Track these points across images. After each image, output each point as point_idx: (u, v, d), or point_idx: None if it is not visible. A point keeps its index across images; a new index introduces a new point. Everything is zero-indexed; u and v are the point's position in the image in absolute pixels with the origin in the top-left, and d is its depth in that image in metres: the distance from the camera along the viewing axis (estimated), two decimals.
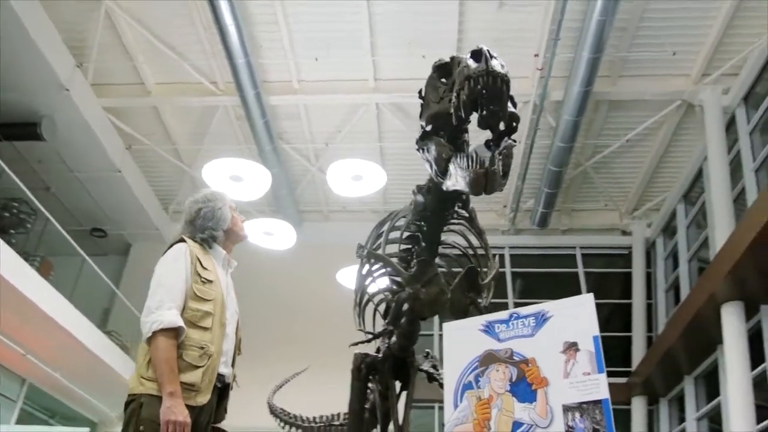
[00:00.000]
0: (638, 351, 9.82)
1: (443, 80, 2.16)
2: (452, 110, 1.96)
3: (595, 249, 11.18)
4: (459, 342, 1.94)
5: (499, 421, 1.74)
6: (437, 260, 2.84)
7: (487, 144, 2.11)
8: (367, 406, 3.39)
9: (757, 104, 7.71)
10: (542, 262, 11.16)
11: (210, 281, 2.28)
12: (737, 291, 6.68)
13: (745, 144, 7.71)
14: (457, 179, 2.05)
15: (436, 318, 3.28)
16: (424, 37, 8.25)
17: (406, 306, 2.82)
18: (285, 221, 8.10)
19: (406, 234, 2.87)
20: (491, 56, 1.89)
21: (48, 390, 8.77)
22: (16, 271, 6.55)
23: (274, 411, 5.50)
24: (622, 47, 8.24)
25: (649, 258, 10.69)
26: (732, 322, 6.76)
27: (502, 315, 1.92)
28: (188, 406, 2.05)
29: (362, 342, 3.06)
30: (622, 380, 9.45)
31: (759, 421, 6.30)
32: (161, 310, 2.12)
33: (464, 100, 1.91)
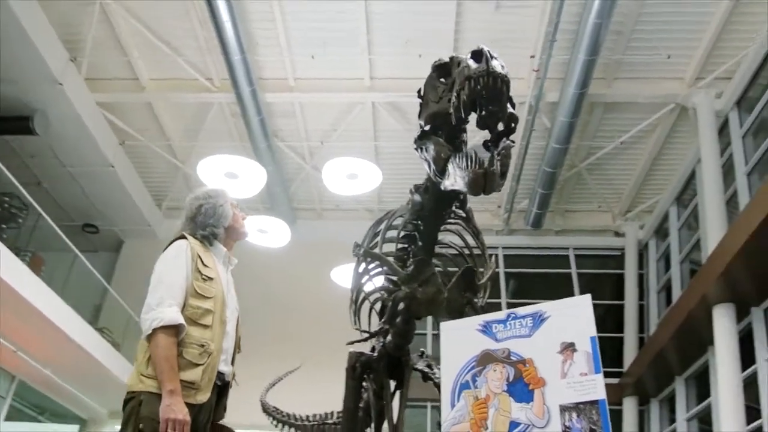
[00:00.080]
0: (630, 351, 9.89)
1: (442, 80, 2.16)
2: (452, 110, 1.95)
3: (588, 250, 11.25)
4: (456, 342, 1.94)
5: (496, 421, 1.74)
6: (433, 260, 2.84)
7: (486, 144, 2.10)
8: (361, 404, 3.39)
9: (749, 108, 7.78)
10: (536, 263, 11.21)
11: (211, 278, 2.26)
12: (728, 293, 6.74)
13: (738, 147, 7.78)
14: (455, 179, 2.04)
15: (429, 318, 3.29)
16: (420, 36, 8.26)
17: (402, 305, 2.82)
18: (279, 219, 8.08)
19: (402, 233, 2.87)
20: (492, 57, 1.89)
21: (38, 387, 8.71)
22: (7, 266, 6.48)
23: (267, 409, 5.49)
24: (617, 50, 8.28)
25: (641, 259, 10.76)
26: (723, 324, 6.82)
27: (500, 315, 1.92)
28: (188, 404, 2.04)
29: (359, 341, 3.06)
30: (614, 381, 9.51)
31: (749, 422, 6.36)
32: (162, 307, 2.10)
33: (464, 100, 1.90)
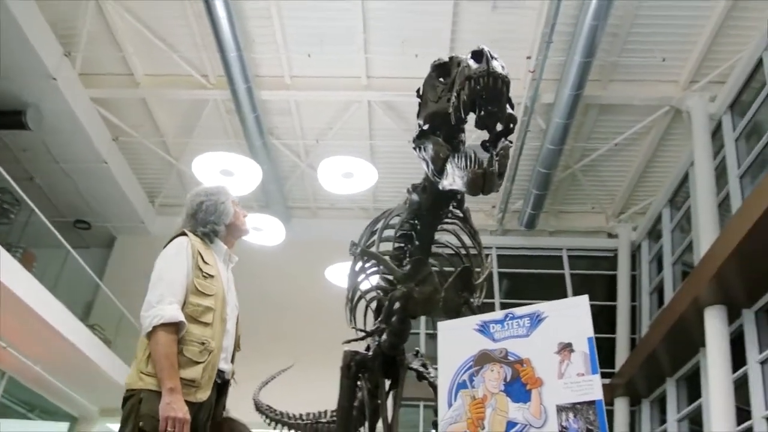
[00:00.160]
0: (622, 352, 9.95)
1: (441, 80, 2.15)
2: (451, 110, 1.95)
3: (581, 251, 11.30)
4: (454, 341, 1.94)
5: (493, 420, 1.74)
6: (430, 259, 2.84)
7: (484, 144, 2.10)
8: (355, 403, 3.38)
9: (743, 112, 7.85)
10: (529, 263, 11.25)
11: (211, 276, 2.25)
12: (720, 295, 6.79)
13: (731, 151, 7.84)
14: (454, 179, 2.04)
15: (422, 317, 3.28)
16: (417, 36, 8.26)
17: (398, 304, 2.81)
18: (274, 217, 8.06)
19: (400, 232, 2.86)
20: (492, 57, 1.89)
21: (28, 384, 8.63)
22: None
23: (260, 408, 5.46)
24: (613, 52, 8.32)
25: (634, 261, 10.83)
26: (714, 326, 6.87)
27: (497, 315, 1.92)
28: (188, 402, 2.02)
29: (356, 339, 3.05)
30: (605, 381, 9.56)
31: (739, 423, 6.42)
32: (162, 304, 2.08)
33: (464, 100, 1.90)
